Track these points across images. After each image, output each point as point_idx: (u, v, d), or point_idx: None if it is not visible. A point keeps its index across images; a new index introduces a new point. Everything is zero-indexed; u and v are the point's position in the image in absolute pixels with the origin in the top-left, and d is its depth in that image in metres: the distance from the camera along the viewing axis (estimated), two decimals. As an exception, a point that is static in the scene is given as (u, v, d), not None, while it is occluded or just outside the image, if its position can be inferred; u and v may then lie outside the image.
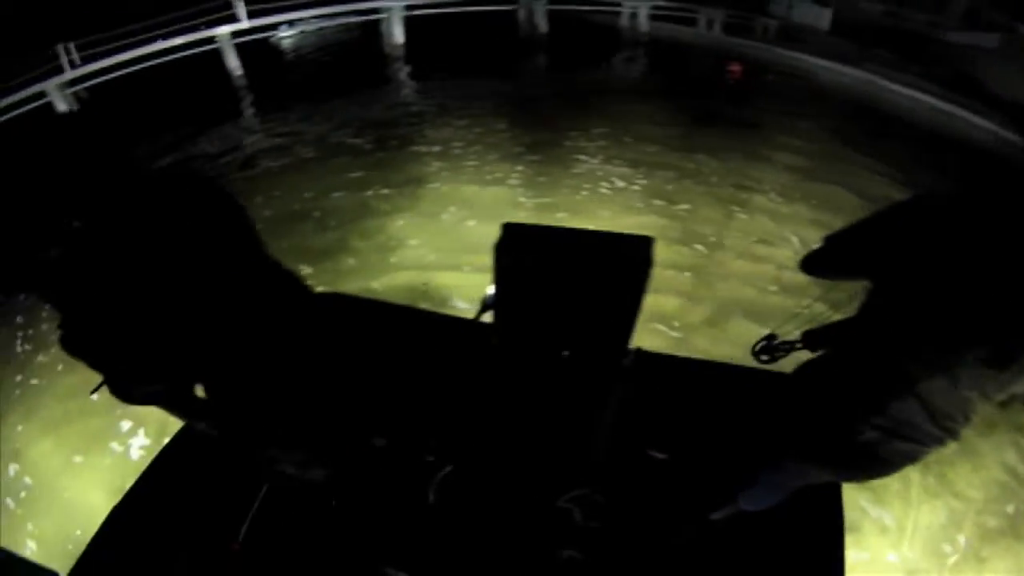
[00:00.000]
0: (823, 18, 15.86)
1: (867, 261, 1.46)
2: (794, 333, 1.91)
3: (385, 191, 7.75)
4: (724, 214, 7.50)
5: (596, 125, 9.41)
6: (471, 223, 7.07)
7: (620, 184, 7.96)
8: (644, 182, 8.03)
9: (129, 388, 1.24)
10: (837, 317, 1.70)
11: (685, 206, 7.58)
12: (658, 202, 7.61)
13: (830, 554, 2.20)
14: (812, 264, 1.57)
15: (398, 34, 13.83)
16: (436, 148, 8.85)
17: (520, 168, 8.22)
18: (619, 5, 15.31)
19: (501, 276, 1.81)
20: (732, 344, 5.33)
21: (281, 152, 9.14)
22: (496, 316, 1.98)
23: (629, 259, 1.73)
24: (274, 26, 12.87)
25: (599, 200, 7.63)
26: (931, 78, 13.02)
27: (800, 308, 2.12)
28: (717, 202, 7.72)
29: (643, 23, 15.43)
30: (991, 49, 14.20)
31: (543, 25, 15.53)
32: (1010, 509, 4.41)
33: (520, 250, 1.74)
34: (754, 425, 2.13)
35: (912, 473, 4.33)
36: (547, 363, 2.02)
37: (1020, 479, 4.64)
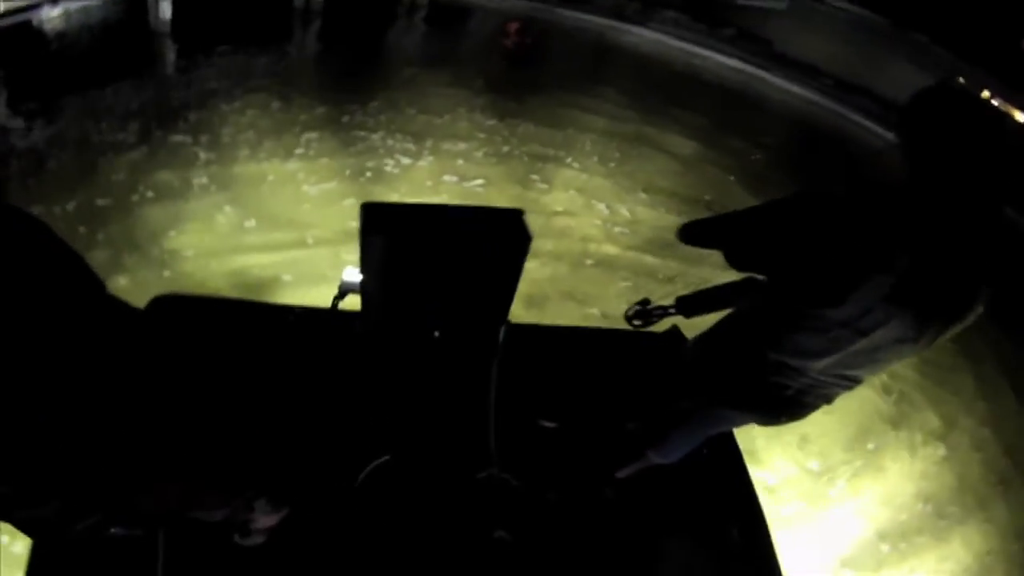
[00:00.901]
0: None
1: (717, 231, 1.51)
2: (668, 298, 1.97)
3: (151, 193, 6.65)
4: (523, 187, 7.16)
5: (376, 98, 8.70)
6: (249, 223, 6.21)
7: (406, 161, 7.50)
8: (431, 158, 7.62)
9: None
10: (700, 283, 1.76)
11: (479, 181, 7.24)
12: (449, 178, 7.23)
13: (742, 493, 2.30)
14: (685, 234, 1.58)
15: (165, 9, 12.33)
16: (205, 138, 7.77)
17: (298, 152, 7.45)
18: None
19: (368, 259, 1.71)
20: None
21: (37, 156, 7.62)
22: (363, 301, 1.89)
23: (504, 233, 1.70)
24: (36, 6, 10.93)
25: (386, 180, 7.10)
26: (721, 38, 13.39)
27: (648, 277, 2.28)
28: (513, 174, 7.47)
29: None
30: (781, 11, 15.21)
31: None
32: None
33: (388, 230, 1.66)
34: (644, 382, 2.17)
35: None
36: (419, 346, 1.96)
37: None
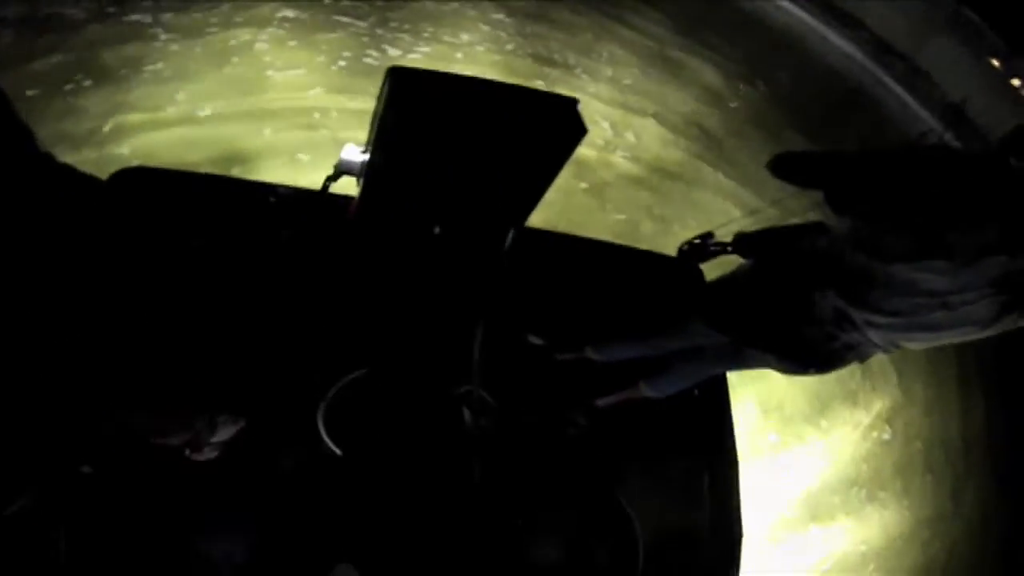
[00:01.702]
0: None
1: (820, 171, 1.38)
2: (726, 236, 1.82)
3: (88, 82, 5.36)
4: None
5: None
6: (203, 111, 5.28)
7: (394, 52, 6.48)
8: (426, 49, 6.70)
9: None
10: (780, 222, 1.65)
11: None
12: None
13: (720, 440, 2.22)
14: (780, 165, 1.47)
15: None
16: (168, 16, 6.21)
17: (268, 31, 6.24)
18: None
19: (384, 133, 1.49)
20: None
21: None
22: (365, 183, 1.69)
23: (556, 121, 1.50)
24: None
25: (362, 73, 6.03)
26: None
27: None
28: (512, 77, 6.81)
29: None
30: None
31: None
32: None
33: (417, 103, 1.42)
34: (652, 309, 2.04)
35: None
36: (415, 241, 1.78)
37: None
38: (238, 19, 6.31)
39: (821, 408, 5.27)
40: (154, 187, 2.10)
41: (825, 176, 1.41)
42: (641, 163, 6.27)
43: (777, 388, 5.09)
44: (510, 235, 1.83)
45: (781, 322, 1.54)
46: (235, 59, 5.91)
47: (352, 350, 2.01)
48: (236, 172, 4.31)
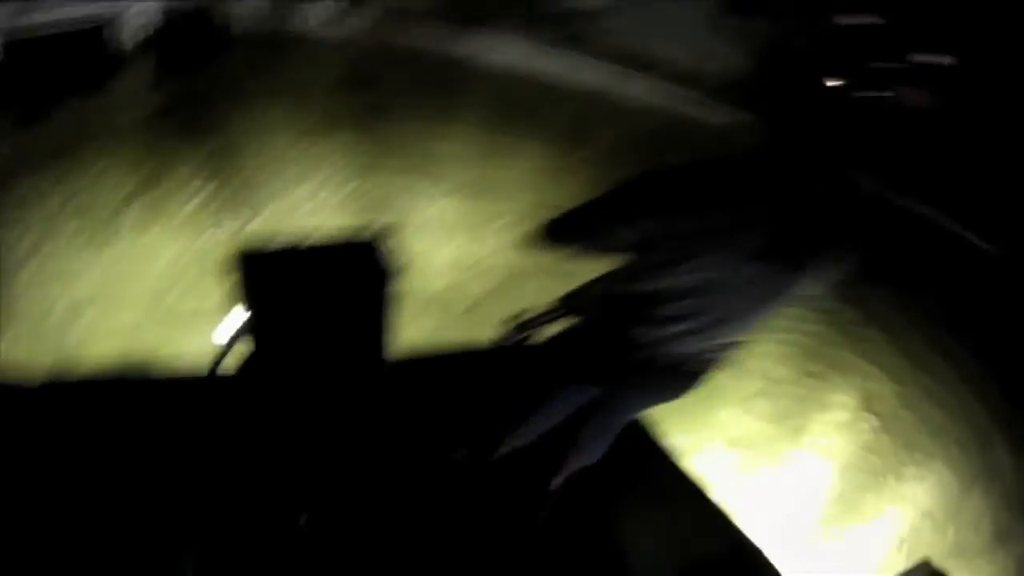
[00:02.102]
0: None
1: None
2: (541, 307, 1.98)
3: None
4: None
5: (192, 153, 7.21)
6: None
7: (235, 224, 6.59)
8: (267, 212, 6.87)
9: None
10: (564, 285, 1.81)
11: (330, 226, 6.62)
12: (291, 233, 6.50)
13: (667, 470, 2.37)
14: (547, 234, 1.57)
15: None
16: None
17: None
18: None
19: (252, 309, 1.70)
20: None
21: None
22: (248, 354, 1.85)
23: (366, 260, 1.73)
24: None
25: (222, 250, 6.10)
26: (555, 43, 13.98)
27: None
28: (361, 215, 6.96)
29: None
30: (608, 8, 15.66)
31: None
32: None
33: (260, 277, 1.66)
34: (530, 391, 2.10)
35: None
36: (313, 387, 1.93)
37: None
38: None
39: (793, 427, 5.39)
40: (73, 392, 2.31)
41: (581, 229, 1.55)
42: (502, 269, 6.47)
43: (733, 423, 5.27)
44: (386, 364, 1.99)
45: (618, 360, 1.65)
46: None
47: (289, 499, 2.11)
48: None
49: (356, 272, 1.77)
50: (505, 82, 11.82)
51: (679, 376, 1.67)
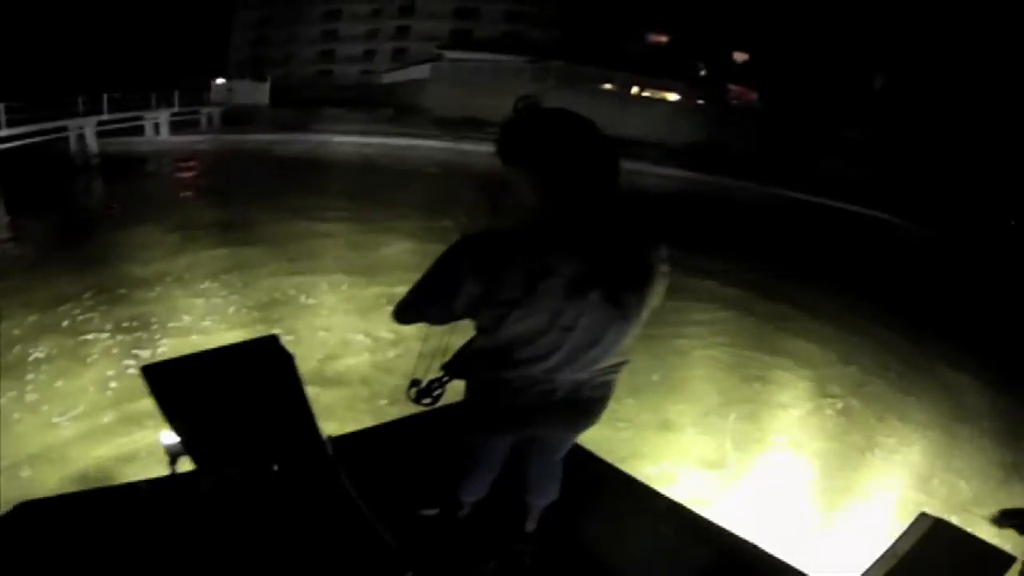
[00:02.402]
0: (262, 93, 17.24)
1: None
2: (432, 371, 1.93)
3: None
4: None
5: (90, 285, 7.90)
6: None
7: (144, 354, 6.64)
8: (169, 328, 7.14)
9: None
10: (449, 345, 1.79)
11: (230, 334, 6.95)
12: (197, 337, 6.94)
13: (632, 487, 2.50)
14: (397, 317, 1.59)
15: None
16: None
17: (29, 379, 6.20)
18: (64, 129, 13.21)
19: (174, 420, 1.75)
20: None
21: None
22: (193, 457, 1.86)
23: (268, 361, 1.86)
24: None
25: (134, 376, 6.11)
26: (380, 119, 15.23)
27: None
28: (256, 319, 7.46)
29: (91, 143, 13.67)
30: (425, 79, 17.00)
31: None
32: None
33: (177, 387, 1.74)
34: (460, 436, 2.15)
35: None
36: (264, 483, 1.97)
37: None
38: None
39: (758, 432, 5.43)
40: (47, 514, 2.35)
41: (408, 308, 1.56)
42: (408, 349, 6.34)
43: (691, 443, 5.25)
44: (328, 445, 2.06)
45: (510, 405, 1.66)
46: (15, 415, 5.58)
47: None
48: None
49: (260, 367, 1.87)
50: (322, 166, 13.18)
51: (576, 407, 1.66)
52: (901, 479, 4.93)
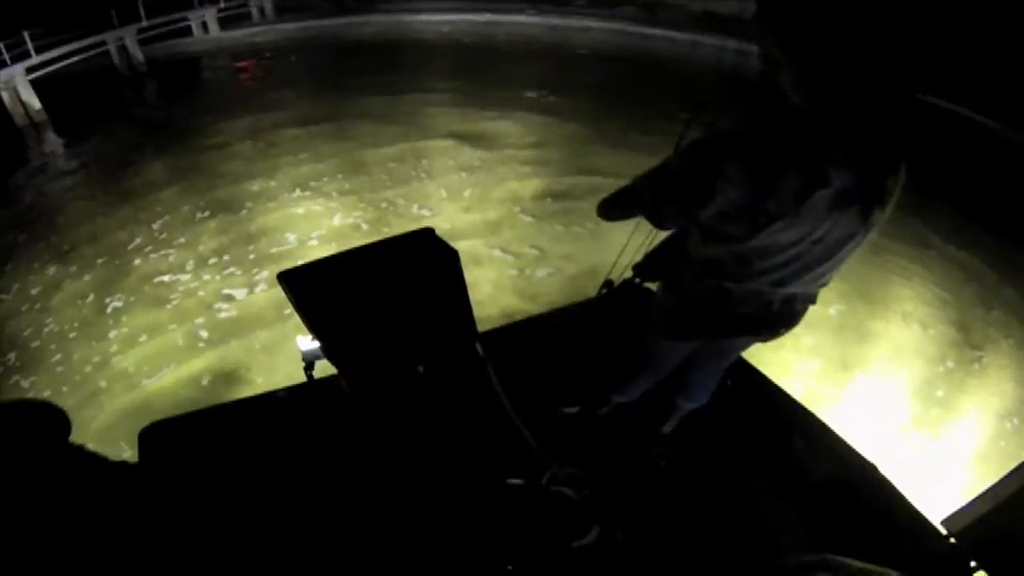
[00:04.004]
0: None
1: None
2: (626, 272, 2.07)
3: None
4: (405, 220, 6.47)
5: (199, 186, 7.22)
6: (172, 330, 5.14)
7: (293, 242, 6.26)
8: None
9: None
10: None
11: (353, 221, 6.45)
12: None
13: (782, 404, 2.41)
14: (602, 210, 1.62)
15: (30, 98, 10.68)
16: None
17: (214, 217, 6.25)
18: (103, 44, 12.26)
19: (315, 324, 1.70)
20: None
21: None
22: (334, 363, 1.82)
23: (428, 255, 1.73)
24: None
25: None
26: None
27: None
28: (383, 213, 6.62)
29: (135, 52, 12.71)
30: None
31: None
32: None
33: (320, 292, 1.65)
34: (632, 340, 2.10)
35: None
36: (409, 385, 1.96)
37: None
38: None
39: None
40: (178, 434, 2.34)
41: (631, 205, 1.55)
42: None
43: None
44: (478, 345, 2.00)
45: (723, 315, 1.64)
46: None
47: (410, 490, 2.16)
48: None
49: (415, 264, 1.76)
50: (445, 47, 11.81)
51: (782, 318, 1.64)
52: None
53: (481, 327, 2.05)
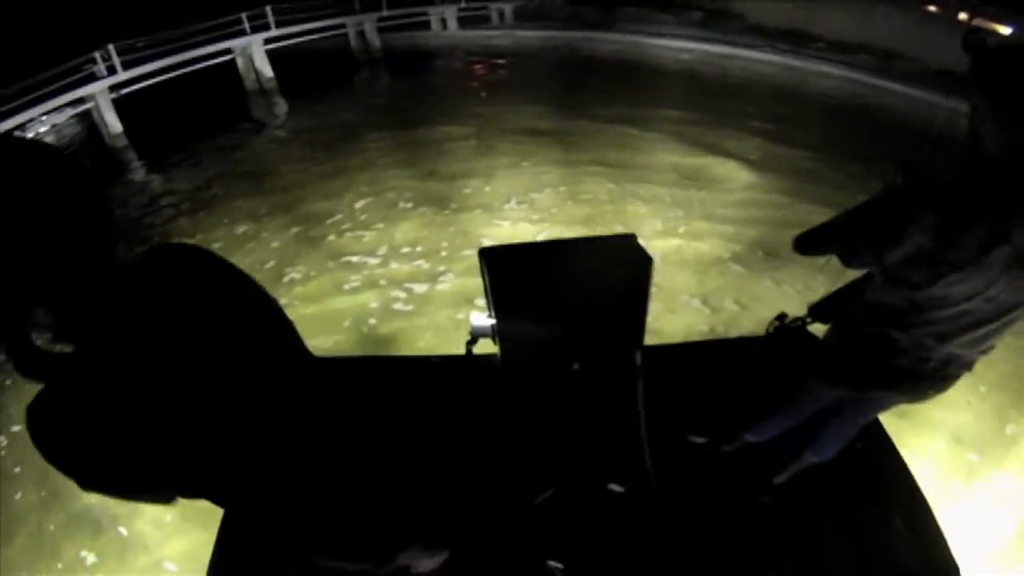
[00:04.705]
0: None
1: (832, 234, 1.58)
2: (800, 310, 2.10)
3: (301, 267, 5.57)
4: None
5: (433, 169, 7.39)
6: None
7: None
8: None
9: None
10: (824, 290, 1.94)
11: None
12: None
13: (900, 480, 2.31)
14: (800, 244, 1.64)
15: (263, 66, 11.91)
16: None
17: (417, 209, 6.39)
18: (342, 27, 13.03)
19: (499, 302, 1.76)
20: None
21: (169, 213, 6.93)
22: (501, 342, 1.91)
23: (624, 258, 1.77)
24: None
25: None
26: (689, 21, 13.40)
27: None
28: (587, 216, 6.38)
29: (373, 38, 13.31)
30: None
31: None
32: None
33: (515, 273, 1.73)
34: (783, 382, 2.12)
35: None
36: (561, 380, 2.01)
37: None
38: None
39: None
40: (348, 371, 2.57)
41: (835, 239, 1.56)
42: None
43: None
44: (638, 355, 2.00)
45: (881, 364, 1.64)
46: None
47: (531, 477, 2.19)
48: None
49: (610, 265, 1.78)
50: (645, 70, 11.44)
51: (937, 380, 1.62)
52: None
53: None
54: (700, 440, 2.36)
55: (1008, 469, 4.09)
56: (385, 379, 2.60)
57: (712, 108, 8.99)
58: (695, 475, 2.25)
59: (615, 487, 2.17)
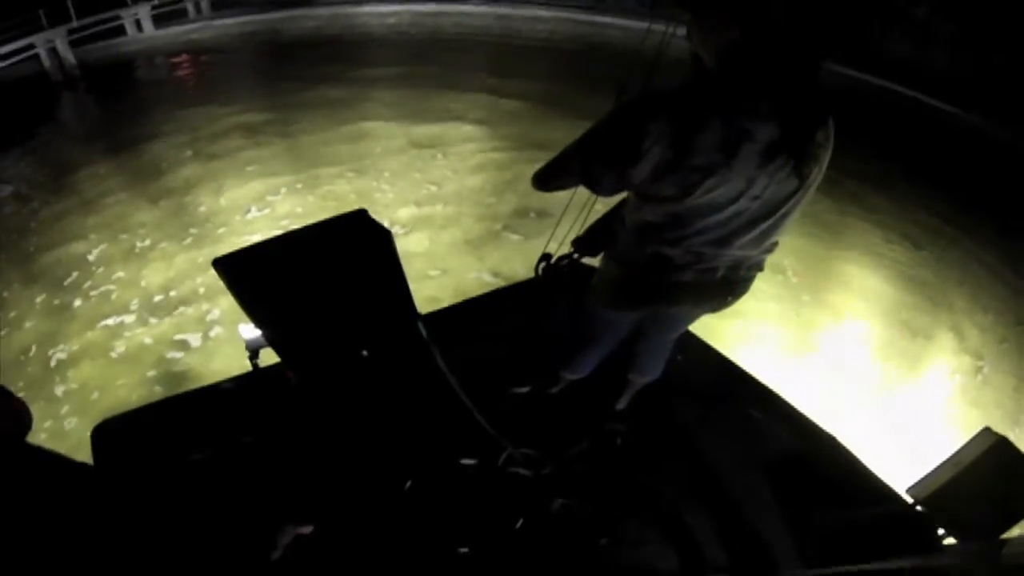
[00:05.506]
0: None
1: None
2: (563, 247, 2.06)
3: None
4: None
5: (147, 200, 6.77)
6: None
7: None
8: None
9: None
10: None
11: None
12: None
13: (733, 376, 2.45)
14: (537, 180, 1.64)
15: None
16: None
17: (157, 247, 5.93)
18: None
19: (250, 309, 1.68)
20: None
21: None
22: (275, 348, 1.83)
23: (360, 235, 1.72)
24: None
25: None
26: None
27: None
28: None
29: (67, 54, 11.78)
30: None
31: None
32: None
33: (254, 275, 1.65)
34: (574, 319, 2.12)
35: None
36: (352, 369, 1.98)
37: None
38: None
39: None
40: (132, 429, 2.32)
41: (564, 173, 1.56)
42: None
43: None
44: (420, 326, 1.96)
45: (664, 281, 1.63)
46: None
47: (377, 474, 2.16)
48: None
49: (349, 245, 1.73)
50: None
51: (731, 285, 1.64)
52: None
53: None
54: (524, 390, 2.36)
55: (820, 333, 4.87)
56: (178, 423, 2.40)
57: (432, 71, 9.23)
58: (538, 424, 2.24)
59: (467, 460, 2.15)
